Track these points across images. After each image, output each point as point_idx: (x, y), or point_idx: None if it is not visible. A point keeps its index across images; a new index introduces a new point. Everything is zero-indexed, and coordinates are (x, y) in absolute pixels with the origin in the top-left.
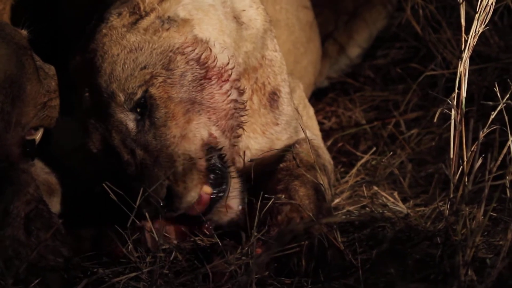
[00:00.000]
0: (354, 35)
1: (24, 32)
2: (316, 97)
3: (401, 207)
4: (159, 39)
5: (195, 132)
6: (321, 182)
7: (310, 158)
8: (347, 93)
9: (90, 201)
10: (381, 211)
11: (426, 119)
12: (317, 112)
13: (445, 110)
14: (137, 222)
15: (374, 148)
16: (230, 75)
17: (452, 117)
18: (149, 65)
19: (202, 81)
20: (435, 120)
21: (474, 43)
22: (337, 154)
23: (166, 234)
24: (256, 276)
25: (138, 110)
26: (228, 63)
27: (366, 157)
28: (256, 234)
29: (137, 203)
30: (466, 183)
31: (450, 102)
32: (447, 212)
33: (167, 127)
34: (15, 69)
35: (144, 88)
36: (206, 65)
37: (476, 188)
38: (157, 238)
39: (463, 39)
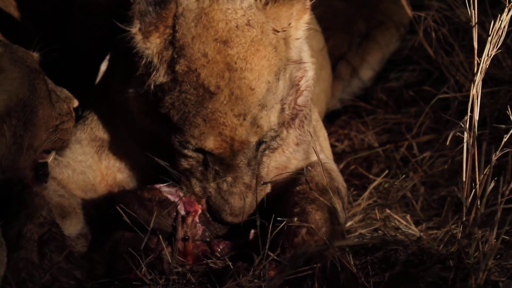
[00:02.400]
0: (367, 57)
1: (36, 55)
2: (329, 120)
3: (414, 230)
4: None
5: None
6: (336, 206)
7: (324, 182)
8: (359, 116)
9: (105, 223)
10: (393, 234)
11: (439, 142)
12: (329, 135)
13: (458, 133)
14: (149, 244)
15: (387, 171)
16: None
17: (465, 140)
18: (284, 98)
19: None
20: (447, 143)
21: (487, 66)
22: (349, 176)
23: (180, 258)
24: None
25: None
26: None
27: (379, 180)
28: (268, 255)
29: (151, 225)
30: (479, 206)
31: (463, 125)
32: (459, 235)
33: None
34: (27, 92)
35: (280, 128)
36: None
37: (489, 211)
38: (170, 261)
39: (476, 62)
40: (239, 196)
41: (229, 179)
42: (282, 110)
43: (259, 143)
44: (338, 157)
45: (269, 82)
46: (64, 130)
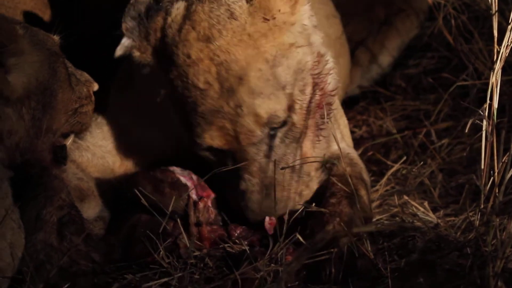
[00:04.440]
0: (386, 44)
1: (56, 38)
2: (347, 106)
3: (431, 217)
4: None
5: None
6: (363, 196)
7: (354, 172)
8: (378, 102)
9: (122, 206)
10: (411, 220)
11: (457, 129)
12: (348, 121)
13: (477, 120)
14: (167, 227)
15: (405, 158)
16: None
17: (484, 128)
18: (289, 83)
19: None
20: (466, 131)
21: (507, 54)
22: (367, 162)
23: (197, 242)
24: (287, 285)
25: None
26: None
27: (397, 166)
28: (286, 240)
29: (170, 209)
30: (497, 194)
31: (482, 113)
32: (477, 222)
33: (298, 147)
34: (47, 75)
35: (287, 114)
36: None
37: (507, 199)
38: (188, 245)
39: (495, 50)
40: (262, 193)
41: (247, 176)
42: (290, 96)
43: (271, 132)
44: (356, 143)
45: (260, 70)
46: (83, 114)
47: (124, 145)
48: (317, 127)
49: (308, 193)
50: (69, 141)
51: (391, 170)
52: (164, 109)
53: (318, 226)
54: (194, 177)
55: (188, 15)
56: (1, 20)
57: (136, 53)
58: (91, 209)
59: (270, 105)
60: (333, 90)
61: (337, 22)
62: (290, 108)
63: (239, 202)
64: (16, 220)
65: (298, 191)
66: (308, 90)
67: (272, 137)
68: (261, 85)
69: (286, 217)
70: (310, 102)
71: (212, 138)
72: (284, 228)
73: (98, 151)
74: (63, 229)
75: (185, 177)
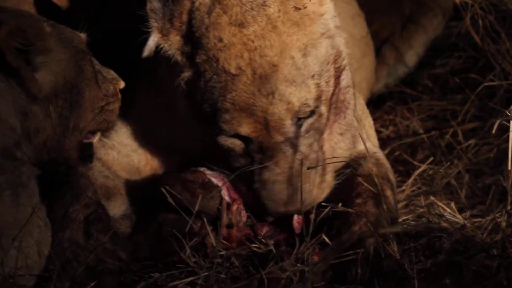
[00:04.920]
0: (412, 42)
1: (82, 35)
2: (374, 105)
3: (458, 218)
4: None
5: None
6: (389, 197)
7: (380, 172)
8: (405, 102)
9: (148, 205)
10: (437, 221)
11: (484, 130)
12: (374, 120)
13: (504, 121)
14: (194, 226)
15: (432, 158)
16: None
17: (511, 129)
18: (317, 74)
19: None
20: (493, 131)
21: None
22: (394, 162)
23: (224, 241)
24: (313, 285)
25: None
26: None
27: (423, 166)
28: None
29: (196, 208)
30: None
31: (509, 114)
32: (504, 223)
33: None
34: (74, 73)
35: (316, 104)
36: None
37: None
38: (215, 244)
39: None
40: (286, 183)
41: (273, 166)
42: (317, 86)
43: (298, 122)
44: (382, 142)
45: (293, 58)
46: (109, 111)
47: (149, 144)
48: (334, 121)
49: (326, 187)
50: (95, 139)
51: (417, 171)
52: (185, 104)
53: (344, 226)
54: (226, 177)
55: (217, 0)
56: (29, 18)
57: (157, 35)
58: (117, 207)
59: (302, 94)
60: (346, 87)
61: (362, 21)
62: (318, 98)
63: (260, 194)
64: (43, 218)
65: (318, 184)
66: (332, 82)
67: (299, 127)
68: (293, 73)
69: (312, 216)
70: (332, 94)
71: (241, 125)
72: (311, 227)
73: (123, 150)
74: (89, 227)
75: (216, 178)
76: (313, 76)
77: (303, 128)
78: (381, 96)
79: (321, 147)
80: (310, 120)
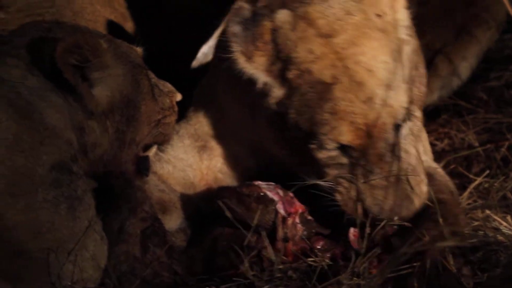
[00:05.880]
0: (467, 54)
1: (139, 49)
2: (429, 118)
3: None
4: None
5: None
6: (450, 209)
7: (440, 186)
8: (460, 115)
9: (202, 219)
10: (493, 235)
11: None
12: (429, 133)
13: None
14: (251, 240)
15: (487, 171)
16: None
17: None
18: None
19: None
20: None
21: None
22: (449, 176)
23: (282, 256)
24: None
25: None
26: None
27: (479, 179)
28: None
29: (255, 221)
30: None
31: None
32: None
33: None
34: (130, 88)
35: (411, 108)
36: None
37: None
38: (273, 258)
39: None
40: (393, 188)
41: (377, 170)
42: (410, 90)
43: (397, 127)
44: (438, 156)
45: (386, 62)
46: (166, 124)
47: (205, 160)
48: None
49: (424, 195)
50: (152, 152)
51: (473, 184)
52: (252, 121)
53: (402, 240)
54: (280, 191)
55: (298, 16)
56: (86, 34)
57: (241, 59)
58: (173, 221)
59: (399, 97)
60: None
61: (413, 35)
62: (412, 102)
63: (364, 199)
64: (99, 231)
65: (417, 192)
66: (417, 87)
67: (398, 132)
68: (388, 76)
69: (368, 229)
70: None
71: (342, 134)
72: (365, 241)
73: (179, 164)
74: (146, 241)
75: (271, 192)
76: (404, 80)
77: (402, 133)
78: (436, 108)
79: (418, 154)
80: (408, 125)
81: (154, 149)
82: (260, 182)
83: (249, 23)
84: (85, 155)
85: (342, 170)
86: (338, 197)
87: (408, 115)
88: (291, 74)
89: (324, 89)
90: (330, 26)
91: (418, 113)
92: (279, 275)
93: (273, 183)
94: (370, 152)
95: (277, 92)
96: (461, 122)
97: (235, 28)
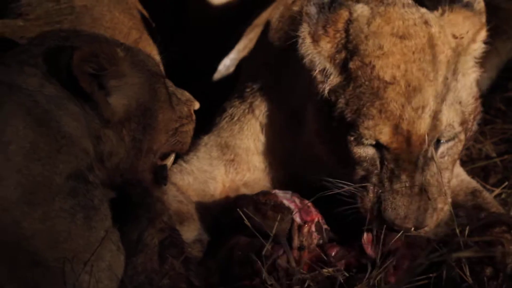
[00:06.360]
0: (485, 64)
1: (157, 57)
2: None
3: None
4: None
5: None
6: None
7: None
8: (477, 125)
9: (220, 230)
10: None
11: None
12: None
13: None
14: (268, 248)
15: (506, 183)
16: None
17: None
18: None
19: None
20: None
21: None
22: None
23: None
24: None
25: None
26: None
27: (497, 190)
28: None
29: (273, 231)
30: None
31: None
32: None
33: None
34: (147, 97)
35: (459, 129)
36: None
37: None
38: (290, 268)
39: None
40: (414, 199)
41: (404, 177)
42: (463, 113)
43: (437, 143)
44: None
45: (447, 78)
46: (184, 133)
47: (231, 173)
48: None
49: (446, 211)
50: (170, 161)
51: (491, 195)
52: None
53: (417, 250)
54: (297, 200)
55: (377, 13)
56: (102, 42)
57: (308, 40)
58: (190, 232)
59: (450, 114)
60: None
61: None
62: (462, 124)
63: (383, 202)
64: (115, 241)
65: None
66: (472, 115)
67: (437, 148)
68: (445, 92)
69: (382, 237)
70: (469, 127)
71: (383, 133)
72: (379, 251)
73: (201, 176)
74: (164, 252)
75: (288, 200)
76: (460, 102)
77: (440, 150)
78: None
79: (450, 176)
80: (448, 144)
81: (172, 158)
82: (277, 191)
83: (325, 8)
84: (101, 163)
85: (371, 169)
86: (359, 202)
87: (454, 136)
88: (353, 65)
89: (380, 86)
90: (406, 29)
91: (462, 137)
92: (296, 286)
93: (290, 192)
94: (403, 157)
95: (334, 79)
96: (478, 133)
97: (311, 9)
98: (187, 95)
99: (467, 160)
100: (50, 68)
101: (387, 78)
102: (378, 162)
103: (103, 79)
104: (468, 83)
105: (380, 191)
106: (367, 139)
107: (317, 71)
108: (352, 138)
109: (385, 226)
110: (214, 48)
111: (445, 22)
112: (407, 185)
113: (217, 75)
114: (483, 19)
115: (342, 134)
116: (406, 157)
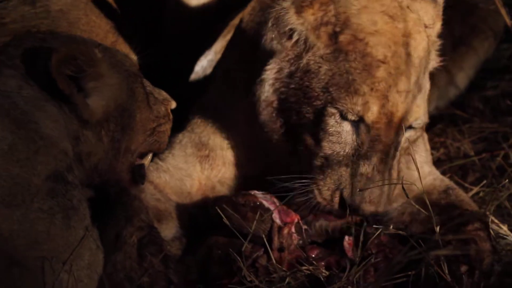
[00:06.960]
0: (463, 64)
1: (134, 58)
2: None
3: (510, 240)
4: None
5: None
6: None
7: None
8: (456, 124)
9: (197, 228)
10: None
11: None
12: None
13: None
14: (247, 245)
15: (484, 181)
16: None
17: None
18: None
19: None
20: None
21: None
22: None
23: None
24: None
25: None
26: None
27: (475, 189)
28: (362, 262)
29: (252, 228)
30: None
31: None
32: None
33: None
34: (125, 97)
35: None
36: None
37: None
38: (270, 266)
39: None
40: (380, 182)
41: (375, 159)
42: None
43: (409, 128)
44: (433, 165)
45: (425, 67)
46: (161, 132)
47: (206, 170)
48: None
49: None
50: (147, 160)
51: (469, 193)
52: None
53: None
54: (276, 201)
55: None
56: (80, 44)
57: (291, 11)
58: (168, 230)
59: (424, 103)
60: None
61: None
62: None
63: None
64: (94, 240)
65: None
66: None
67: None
68: (423, 81)
69: (362, 238)
70: None
71: (369, 111)
72: (359, 250)
73: (177, 174)
74: (143, 249)
75: (267, 201)
76: (426, 92)
77: (407, 135)
78: (431, 118)
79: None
80: (414, 132)
81: (149, 157)
82: (256, 192)
83: None
84: (80, 164)
85: (340, 146)
86: (316, 193)
87: (422, 124)
88: (344, 38)
89: (371, 64)
90: (394, 10)
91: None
92: (276, 284)
93: (269, 193)
94: (381, 139)
95: (319, 51)
96: (456, 131)
97: None
98: (164, 94)
99: (445, 159)
100: (28, 69)
101: (380, 56)
102: (350, 140)
103: (81, 80)
104: (428, 74)
105: (341, 176)
106: (352, 114)
107: (296, 41)
108: (334, 111)
109: (364, 224)
110: (192, 49)
111: (419, 9)
112: (376, 166)
113: (194, 76)
114: (441, 12)
115: (320, 106)
116: (384, 139)
